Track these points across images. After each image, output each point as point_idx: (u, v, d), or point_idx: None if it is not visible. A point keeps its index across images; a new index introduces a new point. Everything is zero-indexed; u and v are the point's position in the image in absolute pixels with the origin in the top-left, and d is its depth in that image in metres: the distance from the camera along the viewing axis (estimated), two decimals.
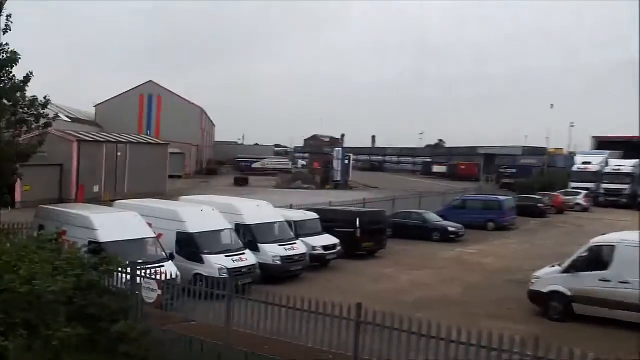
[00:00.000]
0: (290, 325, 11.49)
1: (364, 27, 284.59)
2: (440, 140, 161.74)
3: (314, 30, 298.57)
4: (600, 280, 16.20)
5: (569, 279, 16.76)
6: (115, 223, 17.85)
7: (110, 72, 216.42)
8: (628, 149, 65.52)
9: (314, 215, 25.50)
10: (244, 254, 19.48)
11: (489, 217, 37.26)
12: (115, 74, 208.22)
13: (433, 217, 33.76)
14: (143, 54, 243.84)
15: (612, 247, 16.57)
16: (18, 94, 19.40)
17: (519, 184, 61.61)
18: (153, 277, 13.00)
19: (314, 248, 23.06)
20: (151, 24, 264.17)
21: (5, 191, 20.38)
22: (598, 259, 16.80)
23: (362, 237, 25.94)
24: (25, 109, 19.69)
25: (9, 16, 19.24)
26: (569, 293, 16.62)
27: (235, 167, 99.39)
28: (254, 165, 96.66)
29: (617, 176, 57.82)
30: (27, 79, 19.51)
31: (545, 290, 17.07)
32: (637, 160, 59.53)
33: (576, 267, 16.90)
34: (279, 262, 20.78)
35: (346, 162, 72.87)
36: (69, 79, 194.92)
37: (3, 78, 19.13)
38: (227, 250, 19.34)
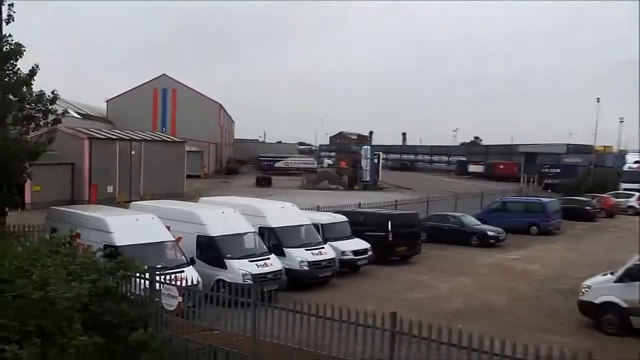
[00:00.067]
0: (320, 335, 11.43)
1: (394, 23, 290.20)
2: (476, 138, 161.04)
3: (337, 26, 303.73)
4: None
5: (624, 289, 16.43)
6: (132, 226, 17.97)
7: (117, 71, 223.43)
8: None
9: (343, 218, 25.47)
10: (269, 258, 19.52)
11: (531, 220, 36.92)
12: (122, 72, 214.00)
13: (471, 221, 33.55)
14: (149, 53, 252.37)
15: None
16: (24, 89, 19.62)
17: (563, 185, 60.92)
18: (173, 283, 13.03)
19: (343, 253, 23.04)
20: (157, 23, 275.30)
21: (14, 191, 20.62)
22: None
23: (395, 241, 25.86)
24: (33, 104, 19.92)
25: (11, 5, 19.50)
26: (624, 305, 16.29)
27: (256, 167, 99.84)
28: (277, 165, 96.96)
29: None
30: (32, 72, 19.68)
31: (597, 301, 16.78)
32: None
33: (631, 275, 16.54)
34: (306, 268, 20.78)
35: (375, 161, 72.72)
36: (74, 79, 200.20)
37: (7, 71, 19.36)
38: (251, 255, 19.39)
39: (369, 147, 79.14)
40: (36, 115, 20.03)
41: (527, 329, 16.20)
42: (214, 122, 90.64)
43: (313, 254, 21.33)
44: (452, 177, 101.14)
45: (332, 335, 11.24)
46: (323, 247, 22.01)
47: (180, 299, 12.78)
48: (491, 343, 9.63)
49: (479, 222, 33.67)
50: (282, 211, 23.01)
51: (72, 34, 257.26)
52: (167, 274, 13.55)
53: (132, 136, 50.50)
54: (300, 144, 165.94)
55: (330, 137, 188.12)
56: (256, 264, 18.91)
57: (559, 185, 62.38)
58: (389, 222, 26.07)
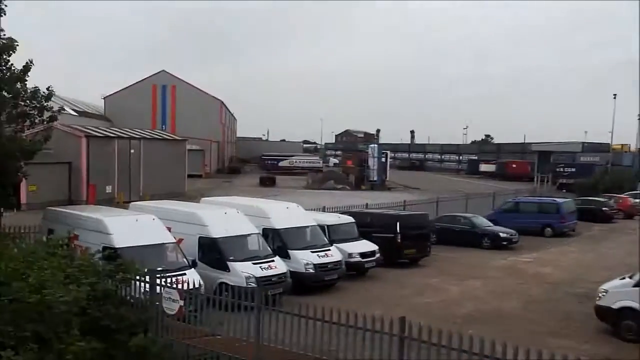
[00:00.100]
0: (326, 341, 11.43)
1: (397, 21, 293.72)
2: (488, 136, 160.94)
3: (340, 25, 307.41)
4: None
5: None
6: (132, 227, 17.99)
7: (116, 71, 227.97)
8: None
9: (349, 219, 25.48)
10: (273, 261, 19.52)
11: (545, 221, 36.86)
12: (121, 72, 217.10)
13: (482, 222, 33.53)
14: (149, 53, 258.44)
15: None
16: (18, 85, 19.65)
17: (579, 185, 60.79)
18: (174, 286, 13.05)
19: (350, 255, 23.05)
20: (156, 22, 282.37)
21: (9, 191, 20.66)
22: None
23: (404, 243, 25.85)
24: (27, 101, 19.94)
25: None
26: None
27: (260, 166, 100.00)
28: (281, 164, 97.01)
29: None
30: (26, 68, 19.70)
31: (615, 306, 16.69)
32: None
33: None
34: (312, 271, 20.79)
35: (383, 160, 72.67)
36: (73, 78, 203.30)
37: (1, 67, 19.39)
38: (254, 257, 19.40)
39: (376, 145, 79.04)
40: (31, 112, 20.05)
41: (540, 334, 16.16)
42: (215, 120, 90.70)
43: (319, 256, 21.31)
44: (462, 176, 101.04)
45: (339, 340, 11.24)
46: (329, 249, 22.00)
47: (181, 302, 12.82)
48: (503, 349, 9.62)
49: (490, 224, 33.65)
50: (286, 212, 23.01)
51: (72, 34, 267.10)
52: (168, 276, 13.56)
53: (131, 134, 50.58)
54: (305, 142, 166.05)
55: (336, 136, 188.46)
56: (260, 267, 18.91)
57: (575, 185, 62.27)
58: (398, 224, 26.06)
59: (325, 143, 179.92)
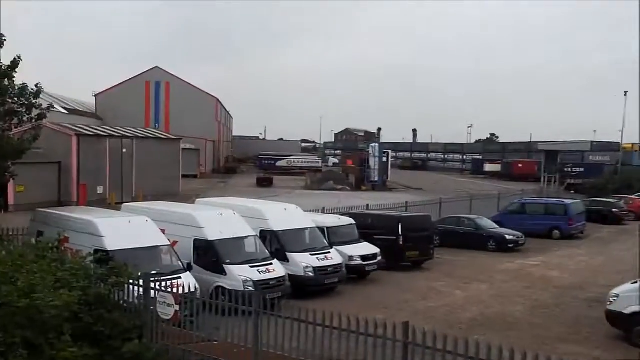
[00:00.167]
0: (326, 346, 11.43)
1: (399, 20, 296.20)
2: (493, 135, 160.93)
3: (341, 21, 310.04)
4: None
5: None
6: (124, 229, 17.96)
7: (113, 70, 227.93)
8: None
9: (350, 221, 25.49)
10: (271, 264, 19.51)
11: (553, 223, 36.87)
12: (118, 71, 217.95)
13: (487, 224, 33.54)
14: (147, 51, 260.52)
15: None
16: (5, 81, 19.63)
17: (588, 185, 60.92)
18: (169, 290, 13.05)
19: (351, 258, 23.04)
20: (155, 21, 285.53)
21: None
22: None
23: (406, 245, 25.84)
24: (15, 98, 19.93)
25: None
26: None
27: (257, 166, 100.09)
28: (279, 163, 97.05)
29: None
30: (14, 64, 19.69)
31: (627, 311, 16.66)
32: None
33: None
34: (311, 274, 20.78)
35: (384, 159, 72.70)
36: (68, 78, 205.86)
37: None
38: (252, 260, 19.38)
39: (377, 144, 79.12)
40: (19, 110, 20.06)
41: (548, 340, 16.17)
42: (210, 118, 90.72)
43: (318, 259, 21.30)
44: (466, 176, 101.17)
45: (340, 346, 11.24)
46: (329, 252, 21.99)
47: (176, 307, 12.81)
48: (511, 355, 9.61)
49: (496, 226, 33.65)
50: (285, 213, 23.02)
51: (69, 32, 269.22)
52: (163, 280, 13.57)
53: (123, 133, 50.61)
54: (304, 141, 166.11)
55: (336, 134, 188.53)
56: (258, 270, 18.88)
57: (583, 186, 62.36)
58: (400, 225, 26.05)
59: (325, 142, 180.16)
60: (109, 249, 16.68)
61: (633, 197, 50.16)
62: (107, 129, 51.75)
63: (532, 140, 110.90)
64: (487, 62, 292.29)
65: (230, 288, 16.08)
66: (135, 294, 13.35)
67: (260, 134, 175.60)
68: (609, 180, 61.10)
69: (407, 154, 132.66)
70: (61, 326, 11.68)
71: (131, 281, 13.48)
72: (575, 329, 17.84)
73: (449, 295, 21.96)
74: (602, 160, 78.15)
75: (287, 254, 21.05)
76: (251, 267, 18.94)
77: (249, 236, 20.39)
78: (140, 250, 17.05)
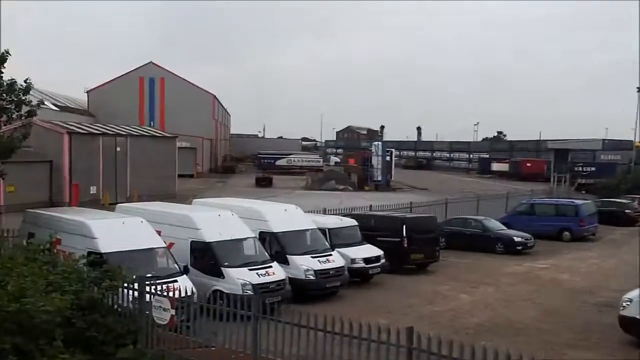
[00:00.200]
0: (328, 352, 11.44)
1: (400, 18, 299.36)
2: (500, 133, 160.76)
3: (342, 17, 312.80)
4: None
5: None
6: (118, 230, 17.97)
7: (109, 69, 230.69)
8: None
9: (352, 222, 25.49)
10: (270, 267, 19.50)
11: (563, 225, 36.84)
12: (113, 70, 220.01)
13: (495, 225, 33.53)
14: (144, 49, 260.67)
15: None
16: None
17: (599, 185, 60.81)
18: (165, 294, 13.07)
19: (353, 261, 23.04)
20: (152, 19, 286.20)
21: None
22: None
23: (410, 247, 25.85)
24: (4, 94, 19.92)
25: None
26: None
27: (255, 165, 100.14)
28: (278, 162, 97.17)
29: None
30: (2, 59, 19.68)
31: None
32: None
33: None
34: (312, 277, 20.78)
35: (387, 158, 72.80)
36: (66, 78, 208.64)
37: None
38: (250, 263, 19.37)
39: (380, 143, 79.16)
40: (8, 106, 20.04)
41: (558, 346, 16.16)
42: (207, 115, 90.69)
43: (320, 262, 21.30)
44: (473, 176, 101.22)
45: (342, 352, 11.25)
46: (331, 255, 21.99)
47: (172, 311, 12.81)
48: None
49: (504, 227, 33.63)
50: (285, 214, 23.03)
51: (70, 33, 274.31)
52: (158, 284, 13.58)
53: (116, 131, 50.67)
54: (304, 139, 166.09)
55: (337, 132, 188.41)
56: (257, 273, 18.87)
57: (595, 186, 62.27)
58: (404, 227, 26.05)
59: (326, 140, 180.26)
60: (102, 251, 16.66)
61: None
62: (100, 127, 51.83)
63: (541, 139, 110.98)
64: (487, 60, 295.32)
65: (228, 292, 16.04)
66: (130, 298, 13.38)
67: (259, 131, 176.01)
68: (622, 180, 60.94)
69: (411, 153, 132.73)
70: (53, 331, 11.70)
71: (125, 285, 13.51)
72: (585, 335, 17.81)
73: (454, 299, 21.96)
74: (614, 159, 78.07)
75: (287, 256, 21.05)
76: (250, 270, 18.92)
77: (247, 238, 20.38)
78: (135, 253, 17.04)
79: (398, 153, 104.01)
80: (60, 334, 11.76)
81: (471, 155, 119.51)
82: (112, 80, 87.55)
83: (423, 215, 31.37)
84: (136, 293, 13.37)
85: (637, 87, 75.76)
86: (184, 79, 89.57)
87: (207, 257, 19.17)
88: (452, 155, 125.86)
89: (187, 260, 18.90)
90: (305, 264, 20.95)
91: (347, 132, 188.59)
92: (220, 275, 18.67)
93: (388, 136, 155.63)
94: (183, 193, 49.51)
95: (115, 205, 25.61)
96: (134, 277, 13.71)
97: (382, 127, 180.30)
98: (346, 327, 11.25)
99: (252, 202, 26.34)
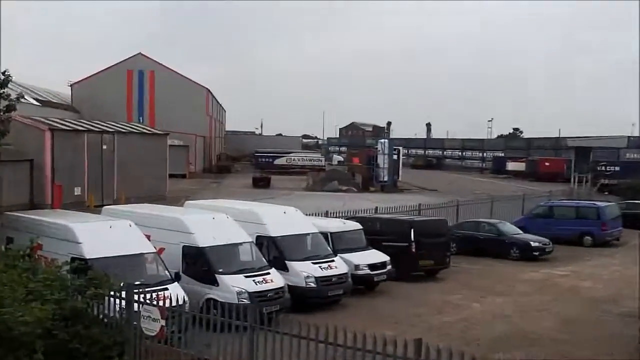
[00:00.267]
0: None
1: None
2: (516, 130, 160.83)
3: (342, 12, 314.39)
4: None
5: None
6: (105, 234, 18.03)
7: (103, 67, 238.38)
8: None
9: (356, 226, 25.51)
10: (268, 274, 19.54)
11: (584, 229, 36.80)
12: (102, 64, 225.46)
13: (510, 229, 33.55)
14: (140, 47, 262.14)
15: None
16: None
17: (624, 186, 60.68)
18: (154, 303, 13.08)
19: (357, 267, 23.06)
20: (148, 16, 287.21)
21: None
22: None
23: (419, 253, 25.88)
24: None
25: None
26: None
27: (252, 164, 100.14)
28: (277, 162, 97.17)
29: None
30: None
31: None
32: None
33: None
34: (313, 285, 20.82)
35: (395, 157, 72.74)
36: (59, 77, 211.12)
37: None
38: (247, 269, 19.41)
39: (387, 140, 79.19)
40: None
41: (576, 358, 16.16)
42: (201, 111, 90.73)
43: (321, 268, 21.34)
44: (487, 176, 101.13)
45: None
46: (333, 261, 22.02)
47: (163, 322, 12.82)
48: None
49: (519, 231, 33.65)
50: (284, 217, 23.09)
51: (70, 33, 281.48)
52: (147, 292, 13.58)
53: (103, 127, 50.61)
54: (305, 137, 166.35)
55: (341, 129, 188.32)
56: (254, 280, 18.91)
57: (619, 187, 62.15)
58: (412, 231, 26.08)
59: (328, 138, 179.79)
60: (87, 257, 16.73)
61: None
62: (84, 123, 51.74)
63: (560, 136, 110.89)
64: (487, 62, 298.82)
65: (222, 300, 16.11)
66: (117, 308, 13.38)
67: (257, 128, 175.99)
68: None
69: (420, 151, 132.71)
70: (33, 343, 11.70)
71: (112, 293, 13.50)
72: (608, 347, 17.81)
73: (466, 308, 21.99)
74: None
75: (286, 262, 21.08)
76: (246, 277, 18.96)
77: (244, 242, 20.43)
78: (123, 259, 17.10)
79: (406, 151, 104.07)
80: (41, 345, 11.75)
81: (485, 154, 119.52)
82: (97, 72, 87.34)
83: (433, 218, 31.37)
84: (123, 302, 13.37)
85: None
86: (176, 72, 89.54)
87: (200, 263, 19.21)
88: (464, 153, 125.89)
89: (179, 266, 18.93)
90: (305, 271, 20.97)
91: (351, 128, 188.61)
92: (214, 282, 18.69)
93: (395, 133, 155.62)
94: (175, 194, 49.50)
95: (101, 207, 25.66)
96: (121, 284, 13.71)
97: (389, 124, 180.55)
98: (349, 338, 11.21)
99: (248, 204, 26.41)
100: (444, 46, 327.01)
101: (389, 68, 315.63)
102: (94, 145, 46.83)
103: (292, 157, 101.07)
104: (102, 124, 52.20)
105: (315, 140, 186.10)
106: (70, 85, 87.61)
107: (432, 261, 26.53)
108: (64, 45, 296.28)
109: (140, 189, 44.68)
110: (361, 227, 25.35)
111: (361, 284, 23.09)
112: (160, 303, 13.05)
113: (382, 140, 78.02)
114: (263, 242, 21.39)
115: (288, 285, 19.80)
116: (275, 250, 21.41)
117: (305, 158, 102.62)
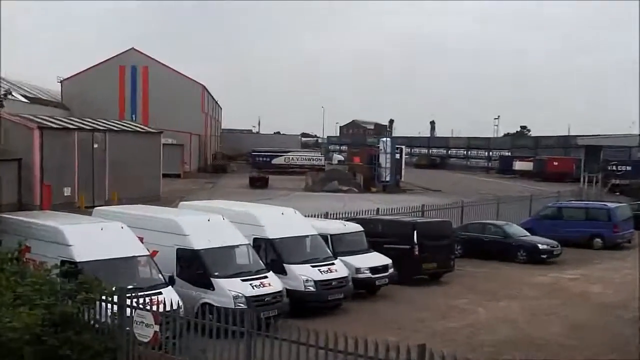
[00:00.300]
0: None
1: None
2: (523, 128, 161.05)
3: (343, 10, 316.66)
4: None
5: None
6: (96, 237, 18.02)
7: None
8: None
9: (357, 227, 25.50)
10: (266, 277, 19.53)
11: (594, 230, 36.76)
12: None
13: (517, 231, 33.55)
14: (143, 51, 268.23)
15: None
16: None
17: (635, 187, 60.71)
18: (148, 307, 13.08)
19: (358, 270, 23.05)
20: (143, 14, 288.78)
21: None
22: None
23: (422, 255, 25.85)
24: None
25: None
26: None
27: (249, 163, 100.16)
28: (275, 161, 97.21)
29: None
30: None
31: None
32: None
33: None
34: (312, 289, 20.80)
35: (397, 156, 72.67)
36: (55, 76, 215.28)
37: None
38: (244, 273, 19.44)
39: (389, 139, 79.28)
40: None
41: None
42: (196, 109, 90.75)
43: (321, 272, 21.31)
44: (493, 176, 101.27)
45: None
46: (333, 264, 22.00)
47: (156, 327, 12.82)
48: None
49: (527, 233, 33.65)
50: (282, 219, 23.06)
51: (70, 33, 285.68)
52: (140, 296, 13.61)
53: (94, 125, 50.55)
54: (304, 135, 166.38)
55: (341, 127, 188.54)
56: (251, 284, 18.90)
57: (630, 187, 62.16)
58: (415, 232, 26.08)
59: (328, 136, 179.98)
60: (77, 260, 16.71)
61: None
62: (75, 121, 51.65)
63: (569, 134, 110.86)
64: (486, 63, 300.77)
65: (218, 305, 16.08)
66: (109, 313, 13.39)
67: (254, 126, 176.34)
68: None
69: (424, 150, 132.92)
70: (21, 349, 11.72)
71: (104, 297, 13.51)
72: (619, 354, 17.82)
73: (471, 313, 21.99)
74: None
75: (284, 265, 21.08)
76: (243, 280, 18.96)
77: (240, 245, 20.42)
78: (115, 262, 17.11)
79: (409, 150, 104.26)
80: (29, 353, 11.78)
81: (491, 153, 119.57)
82: (88, 68, 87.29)
83: (436, 219, 31.37)
84: (115, 307, 13.37)
85: None
86: (170, 68, 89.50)
87: (195, 267, 19.20)
88: (469, 152, 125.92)
89: (173, 269, 18.94)
90: (304, 274, 20.95)
91: (351, 127, 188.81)
92: (209, 286, 18.68)
93: (398, 131, 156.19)
94: (169, 195, 49.58)
95: (92, 208, 25.66)
96: (113, 289, 13.70)
97: (391, 122, 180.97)
98: (350, 344, 11.23)
99: (245, 205, 26.42)
100: (444, 46, 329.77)
101: (389, 68, 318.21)
102: (84, 144, 46.77)
103: (291, 156, 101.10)
104: (94, 121, 52.12)
105: (315, 138, 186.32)
106: (60, 82, 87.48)
107: (436, 264, 26.54)
108: (63, 45, 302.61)
109: (132, 190, 44.67)
110: (362, 229, 25.33)
111: (362, 288, 23.10)
112: (154, 308, 13.05)
113: (384, 139, 78.01)
114: (260, 245, 21.39)
115: (286, 289, 19.76)
116: (273, 253, 21.41)
117: (304, 157, 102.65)
